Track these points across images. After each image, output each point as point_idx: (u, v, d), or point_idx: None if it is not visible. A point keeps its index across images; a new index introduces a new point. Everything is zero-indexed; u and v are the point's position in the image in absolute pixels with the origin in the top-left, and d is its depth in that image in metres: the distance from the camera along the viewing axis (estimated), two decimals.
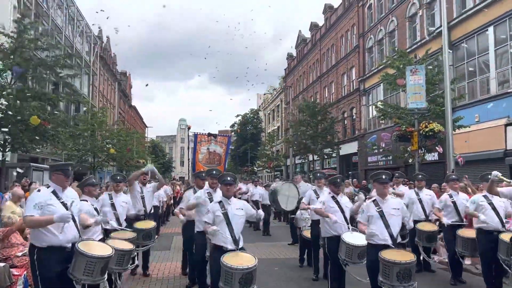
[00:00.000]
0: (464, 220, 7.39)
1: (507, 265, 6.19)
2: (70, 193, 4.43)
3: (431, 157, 20.12)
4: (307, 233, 7.77)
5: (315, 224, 7.41)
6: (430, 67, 15.93)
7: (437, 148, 16.27)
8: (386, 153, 19.51)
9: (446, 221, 7.23)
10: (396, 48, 16.70)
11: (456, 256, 7.12)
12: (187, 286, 6.70)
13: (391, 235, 4.90)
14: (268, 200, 14.70)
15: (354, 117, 31.38)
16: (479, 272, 7.77)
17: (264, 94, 61.74)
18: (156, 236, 7.22)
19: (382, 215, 4.96)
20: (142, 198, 7.56)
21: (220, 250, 4.79)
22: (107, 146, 24.26)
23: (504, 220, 6.44)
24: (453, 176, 7.79)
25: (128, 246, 5.45)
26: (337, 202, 6.25)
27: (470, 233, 7.02)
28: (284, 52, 73.98)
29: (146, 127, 73.47)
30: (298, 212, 8.69)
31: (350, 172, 30.93)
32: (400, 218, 5.06)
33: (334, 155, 31.23)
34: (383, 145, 22.89)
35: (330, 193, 6.41)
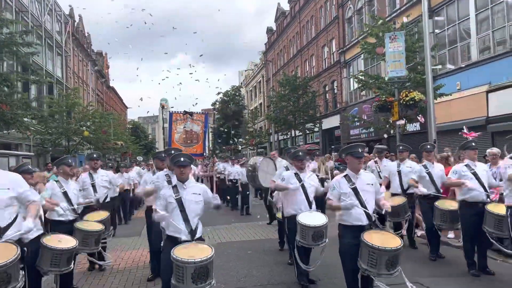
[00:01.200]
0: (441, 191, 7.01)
1: (494, 238, 5.80)
2: None
3: (413, 127, 19.76)
4: (280, 215, 7.25)
5: None
6: (411, 33, 15.31)
7: (418, 117, 15.84)
8: (367, 125, 19.02)
9: (422, 190, 6.78)
10: (375, 16, 16.00)
11: (434, 229, 6.72)
12: (148, 279, 6.11)
13: (367, 214, 4.36)
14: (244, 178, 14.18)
15: (335, 90, 30.82)
16: (461, 246, 7.42)
17: (245, 71, 60.58)
18: (112, 228, 6.50)
19: (356, 192, 4.40)
20: (93, 186, 6.88)
21: (174, 242, 4.18)
22: (81, 128, 23.28)
23: (489, 190, 6.01)
24: (428, 146, 7.28)
25: (99, 226, 5.74)
26: (300, 180, 5.69)
27: (448, 204, 6.60)
28: (264, 26, 72.51)
29: (127, 108, 72.04)
30: (276, 192, 8.15)
31: (333, 146, 30.56)
32: (374, 194, 4.50)
33: (316, 129, 30.78)
34: (365, 117, 22.45)
35: (293, 169, 5.87)
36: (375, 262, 4.00)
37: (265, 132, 42.06)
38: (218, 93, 50.25)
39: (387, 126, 16.58)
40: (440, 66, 16.62)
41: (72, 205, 5.83)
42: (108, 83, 57.34)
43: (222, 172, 15.08)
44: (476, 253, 5.97)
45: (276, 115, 29.38)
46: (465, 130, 13.62)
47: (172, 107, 21.33)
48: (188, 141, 18.10)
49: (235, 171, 14.27)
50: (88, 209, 6.40)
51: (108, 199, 7.31)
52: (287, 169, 7.10)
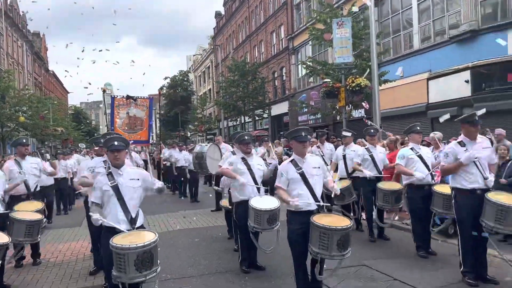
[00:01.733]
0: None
1: (442, 218, 5.98)
2: None
3: (358, 113, 20.26)
4: (225, 203, 7.09)
5: None
6: (357, 20, 15.53)
7: (363, 104, 16.22)
8: (314, 112, 19.27)
9: (366, 173, 6.93)
10: (323, 1, 16.06)
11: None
12: (90, 272, 5.73)
13: (315, 198, 4.29)
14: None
15: (284, 76, 30.94)
16: (405, 227, 7.67)
17: (193, 56, 59.37)
18: (45, 219, 6.04)
19: (303, 176, 4.31)
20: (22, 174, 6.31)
21: (113, 233, 3.87)
22: (16, 114, 21.72)
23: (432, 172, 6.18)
24: (371, 131, 7.45)
25: (37, 216, 5.46)
26: (247, 164, 5.58)
27: (390, 185, 6.78)
28: (213, 10, 71.23)
29: (67, 93, 68.47)
30: (223, 178, 7.96)
31: (282, 132, 30.85)
32: (321, 177, 4.44)
33: (265, 116, 30.84)
34: (313, 104, 22.73)
35: (240, 153, 5.75)
36: (326, 244, 3.93)
37: (214, 119, 41.58)
38: (166, 78, 48.95)
39: (333, 112, 16.85)
40: (391, 55, 17.04)
41: None
42: (46, 66, 54.09)
43: (168, 159, 14.65)
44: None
45: (226, 100, 29.06)
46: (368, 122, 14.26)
47: (118, 89, 19.86)
48: (132, 127, 17.44)
49: (182, 157, 13.89)
50: (16, 199, 5.92)
51: (38, 188, 6.75)
52: (233, 153, 6.94)
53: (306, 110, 21.25)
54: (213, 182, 9.42)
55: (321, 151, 9.41)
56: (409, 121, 14.94)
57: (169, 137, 40.64)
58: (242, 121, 31.81)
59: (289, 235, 4.37)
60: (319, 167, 4.43)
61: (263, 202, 5.16)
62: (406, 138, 7.48)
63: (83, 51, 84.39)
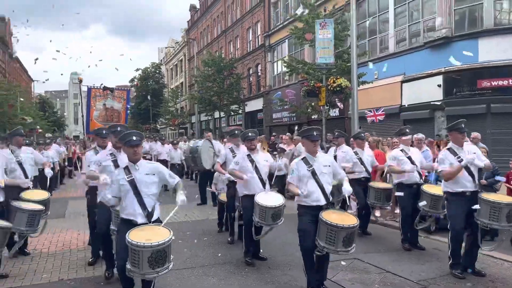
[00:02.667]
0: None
1: (425, 215, 6.36)
2: None
3: (333, 113, 20.75)
4: (223, 197, 7.24)
5: (230, 185, 6.90)
6: (338, 21, 15.90)
7: (338, 104, 16.61)
8: (293, 109, 19.56)
9: (359, 174, 7.28)
10: (306, 2, 16.33)
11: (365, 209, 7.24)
12: (89, 262, 5.73)
13: (325, 195, 4.52)
14: (176, 159, 13.90)
15: (259, 73, 31.14)
16: (389, 224, 8.08)
17: (165, 48, 58.59)
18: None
19: (314, 174, 4.53)
20: (20, 163, 6.24)
21: (129, 225, 3.96)
22: None
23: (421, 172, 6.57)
24: (362, 135, 7.81)
25: (38, 206, 5.47)
26: (252, 161, 5.76)
27: (380, 184, 7.16)
28: (188, 3, 70.33)
29: (32, 81, 66.02)
30: (216, 173, 8.07)
31: (255, 129, 31.03)
32: (331, 175, 4.68)
33: (240, 111, 30.97)
34: (287, 101, 23.04)
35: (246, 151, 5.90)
36: (333, 240, 4.18)
37: (187, 112, 41.31)
38: (137, 70, 48.14)
39: (309, 110, 17.17)
40: (367, 57, 17.54)
41: None
42: (11, 52, 51.92)
43: (149, 152, 14.56)
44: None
45: (201, 95, 28.95)
46: (370, 114, 14.79)
47: (80, 80, 19.11)
48: (109, 119, 17.23)
49: (164, 151, 13.85)
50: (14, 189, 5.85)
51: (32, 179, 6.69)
52: (231, 150, 7.08)
53: (286, 107, 21.44)
54: (208, 183, 9.49)
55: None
56: (383, 122, 15.55)
57: (139, 130, 40.07)
58: (216, 116, 31.78)
59: (299, 227, 4.60)
60: (329, 166, 4.66)
61: (269, 198, 5.35)
62: (396, 139, 7.88)
63: (51, 41, 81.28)
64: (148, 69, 48.48)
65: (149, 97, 43.49)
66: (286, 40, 27.21)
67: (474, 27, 15.19)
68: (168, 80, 54.92)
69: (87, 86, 16.72)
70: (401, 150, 6.58)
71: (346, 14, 16.95)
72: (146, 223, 4.03)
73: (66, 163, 16.39)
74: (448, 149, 5.41)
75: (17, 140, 6.41)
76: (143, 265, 3.67)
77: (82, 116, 16.44)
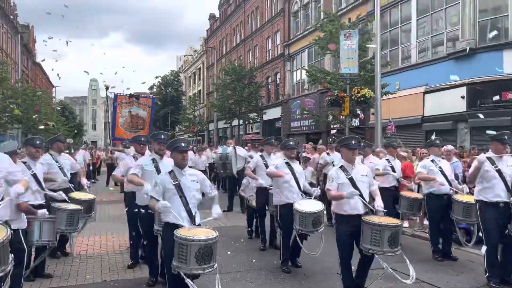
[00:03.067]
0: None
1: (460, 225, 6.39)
2: None
3: (354, 122, 20.78)
4: (254, 203, 7.37)
5: (260, 191, 7.04)
6: (361, 33, 16.02)
7: (359, 113, 16.60)
8: (315, 119, 19.64)
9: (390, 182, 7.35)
10: (328, 13, 16.51)
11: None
12: (129, 266, 5.90)
13: (364, 203, 4.62)
14: (200, 166, 14.09)
15: (278, 82, 31.35)
16: (416, 234, 8.11)
17: (184, 56, 59.36)
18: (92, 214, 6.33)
19: (352, 182, 4.64)
20: (61, 168, 6.42)
21: (173, 228, 4.07)
22: (11, 106, 21.46)
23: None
24: (395, 144, 7.92)
25: (76, 206, 5.62)
26: (291, 169, 5.89)
27: (413, 194, 7.20)
28: (206, 12, 71.13)
29: (53, 86, 67.36)
30: (245, 180, 8.21)
31: (294, 139, 31.21)
32: (367, 184, 4.79)
33: (258, 119, 31.19)
34: (302, 108, 23.07)
35: (284, 158, 6.03)
36: (378, 240, 4.27)
37: (205, 120, 41.72)
38: (156, 77, 48.88)
39: (329, 119, 17.24)
40: (389, 67, 17.61)
41: (43, 189, 5.52)
42: (34, 59, 53.22)
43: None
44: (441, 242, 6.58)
45: (221, 103, 29.26)
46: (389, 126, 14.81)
47: (107, 87, 19.17)
48: (134, 126, 17.49)
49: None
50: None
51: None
52: (262, 157, 7.21)
53: (305, 115, 21.48)
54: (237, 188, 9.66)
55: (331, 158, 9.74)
56: (405, 132, 15.58)
57: None
58: (234, 124, 32.03)
59: (337, 237, 4.70)
60: (366, 175, 4.77)
61: (308, 205, 5.46)
62: (424, 150, 7.94)
63: (67, 43, 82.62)
64: (167, 77, 49.16)
65: (169, 104, 44.10)
66: (306, 50, 27.41)
67: (498, 39, 15.13)
68: (186, 87, 55.58)
69: (114, 93, 17.03)
70: (432, 161, 6.63)
71: (369, 24, 17.06)
72: (191, 226, 4.15)
73: (91, 168, 16.74)
74: (488, 158, 5.45)
75: (58, 146, 6.57)
76: (190, 260, 3.76)
77: (108, 122, 16.75)
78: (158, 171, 5.12)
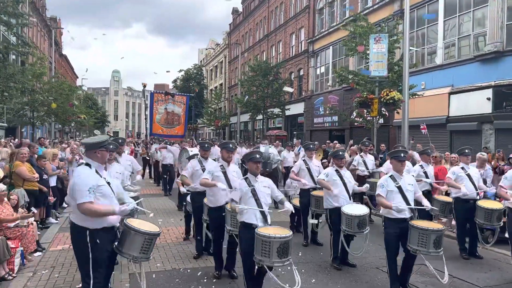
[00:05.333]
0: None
1: (482, 228, 6.98)
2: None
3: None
4: (296, 201, 8.04)
5: (304, 193, 7.74)
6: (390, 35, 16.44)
7: (383, 111, 17.03)
8: (344, 117, 20.16)
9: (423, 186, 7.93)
10: (358, 15, 16.96)
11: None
12: (194, 257, 6.69)
13: (410, 209, 5.27)
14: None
15: (301, 78, 31.84)
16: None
17: (206, 49, 60.13)
18: None
19: (400, 190, 5.29)
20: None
21: (250, 228, 4.78)
22: (49, 100, 22.56)
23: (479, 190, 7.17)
24: (429, 151, 8.54)
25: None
26: (341, 176, 6.51)
27: (445, 198, 7.80)
28: (229, 6, 71.64)
29: (77, 78, 69.00)
30: (288, 180, 8.92)
31: (295, 132, 31.83)
32: (413, 193, 5.43)
33: (281, 115, 31.81)
34: (329, 106, 23.59)
35: (333, 166, 6.68)
36: (425, 242, 4.97)
37: (229, 113, 42.49)
38: (180, 71, 49.75)
39: (355, 117, 17.78)
40: (415, 68, 18.01)
41: None
42: (60, 50, 54.66)
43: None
44: (467, 241, 7.19)
45: (247, 99, 29.94)
46: (422, 127, 15.26)
47: (144, 86, 19.45)
48: (170, 123, 18.42)
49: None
50: None
51: None
52: (305, 162, 7.88)
53: (330, 112, 21.87)
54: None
55: (364, 160, 10.35)
56: (429, 132, 15.96)
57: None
58: (259, 118, 32.65)
59: (385, 238, 5.39)
60: (412, 185, 5.43)
61: (354, 208, 6.14)
62: (454, 155, 8.52)
63: (95, 38, 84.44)
64: (190, 71, 50.03)
65: (192, 98, 45.03)
66: (330, 47, 27.81)
67: None
68: (208, 81, 56.38)
69: (150, 91, 17.97)
70: (462, 168, 7.21)
71: (396, 26, 17.45)
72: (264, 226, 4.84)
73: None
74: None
75: (102, 155, 6.55)
76: (273, 255, 4.44)
77: (146, 119, 17.67)
78: (226, 176, 5.86)
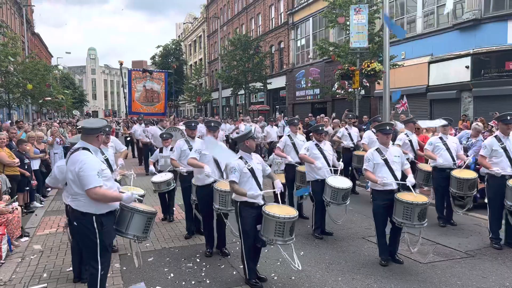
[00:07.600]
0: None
1: (456, 197, 7.19)
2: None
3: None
4: (281, 177, 8.09)
5: (290, 168, 7.80)
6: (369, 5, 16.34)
7: (364, 82, 17.11)
8: (325, 90, 20.16)
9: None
10: None
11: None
12: (185, 237, 6.74)
13: (396, 180, 5.37)
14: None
15: (282, 51, 31.56)
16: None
17: (183, 24, 58.84)
18: None
19: (386, 162, 5.38)
20: (107, 160, 6.94)
21: (251, 207, 4.77)
22: (23, 81, 21.89)
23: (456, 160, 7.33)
24: (414, 119, 8.63)
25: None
26: (320, 149, 6.64)
27: (429, 167, 7.94)
28: None
29: (52, 57, 67.00)
30: (271, 156, 8.95)
31: (277, 106, 31.77)
32: (400, 164, 5.53)
33: (263, 89, 31.65)
34: (311, 79, 23.56)
35: (313, 140, 6.75)
36: (409, 215, 5.09)
37: (210, 89, 42.02)
38: (158, 46, 48.72)
39: (336, 89, 17.83)
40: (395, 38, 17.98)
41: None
42: (33, 29, 52.73)
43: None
44: (445, 208, 7.40)
45: (227, 74, 29.59)
46: (403, 102, 15.37)
47: (121, 63, 19.06)
48: (149, 100, 18.22)
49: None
50: None
51: None
52: (290, 137, 7.91)
53: (313, 85, 21.83)
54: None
55: (349, 133, 10.40)
56: (409, 102, 16.15)
57: None
58: (240, 93, 32.41)
59: (373, 209, 5.53)
60: (398, 156, 5.51)
61: (339, 181, 6.26)
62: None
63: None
64: (169, 46, 49.03)
65: (171, 74, 44.35)
66: (310, 18, 27.53)
67: (502, 8, 15.52)
68: (187, 56, 55.44)
69: (128, 68, 17.62)
70: (440, 138, 7.35)
71: None
72: (265, 203, 4.82)
73: None
74: (495, 136, 6.18)
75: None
76: (286, 233, 4.52)
77: (124, 98, 17.41)
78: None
